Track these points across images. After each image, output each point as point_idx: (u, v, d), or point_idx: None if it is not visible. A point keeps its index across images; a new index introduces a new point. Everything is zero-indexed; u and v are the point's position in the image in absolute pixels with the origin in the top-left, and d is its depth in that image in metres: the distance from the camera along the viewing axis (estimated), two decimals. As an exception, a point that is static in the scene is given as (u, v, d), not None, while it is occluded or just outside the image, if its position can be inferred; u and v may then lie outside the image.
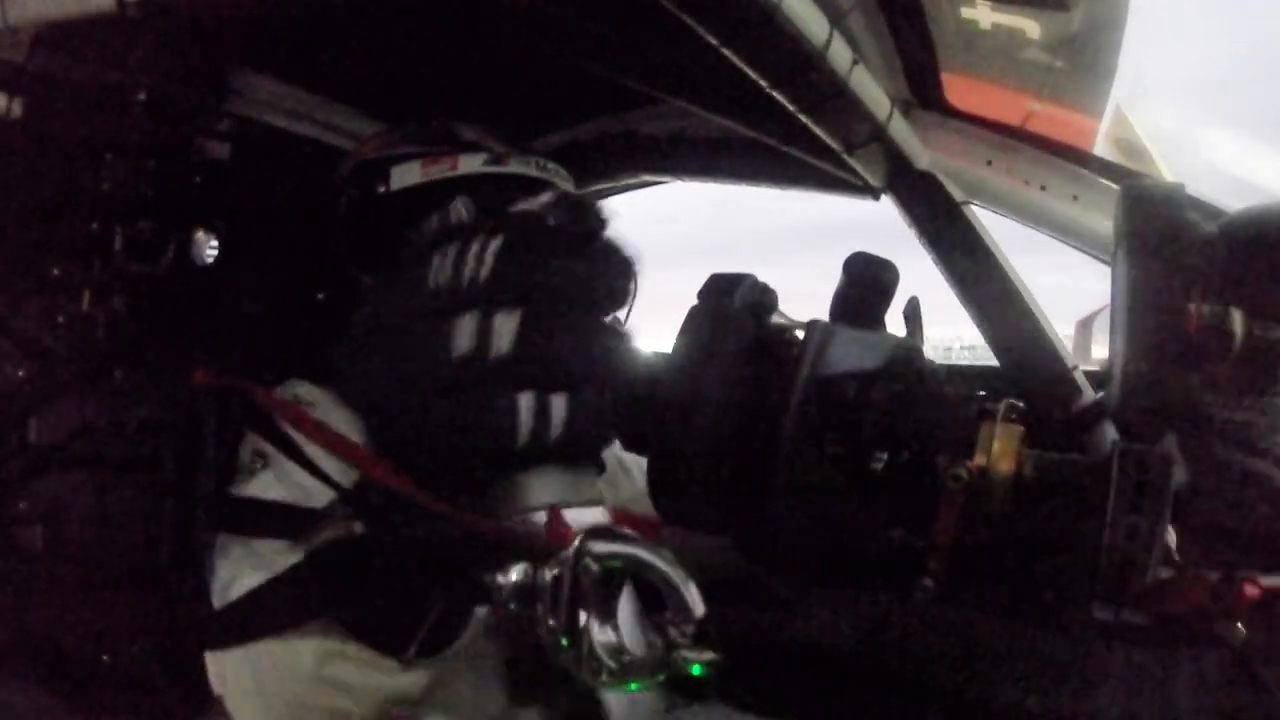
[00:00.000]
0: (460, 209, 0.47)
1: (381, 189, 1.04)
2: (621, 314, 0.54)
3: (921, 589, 0.88)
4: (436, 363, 0.44)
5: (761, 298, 1.02)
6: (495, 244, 0.44)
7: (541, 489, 0.47)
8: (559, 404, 0.43)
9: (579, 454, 0.47)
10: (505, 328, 0.43)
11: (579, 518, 0.46)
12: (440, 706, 0.92)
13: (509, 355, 0.43)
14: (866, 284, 1.40)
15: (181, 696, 1.08)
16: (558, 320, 0.44)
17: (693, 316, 0.96)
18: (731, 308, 0.97)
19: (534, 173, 1.07)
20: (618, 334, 0.47)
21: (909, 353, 1.11)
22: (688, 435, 0.86)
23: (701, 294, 0.98)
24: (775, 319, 1.01)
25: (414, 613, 0.64)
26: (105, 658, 1.02)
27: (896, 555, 0.94)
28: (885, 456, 0.99)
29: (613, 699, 0.46)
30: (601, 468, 0.54)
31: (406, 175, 1.04)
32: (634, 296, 0.49)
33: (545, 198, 0.47)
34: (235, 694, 0.74)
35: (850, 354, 1.05)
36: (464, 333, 0.43)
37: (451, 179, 1.04)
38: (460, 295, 0.44)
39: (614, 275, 0.47)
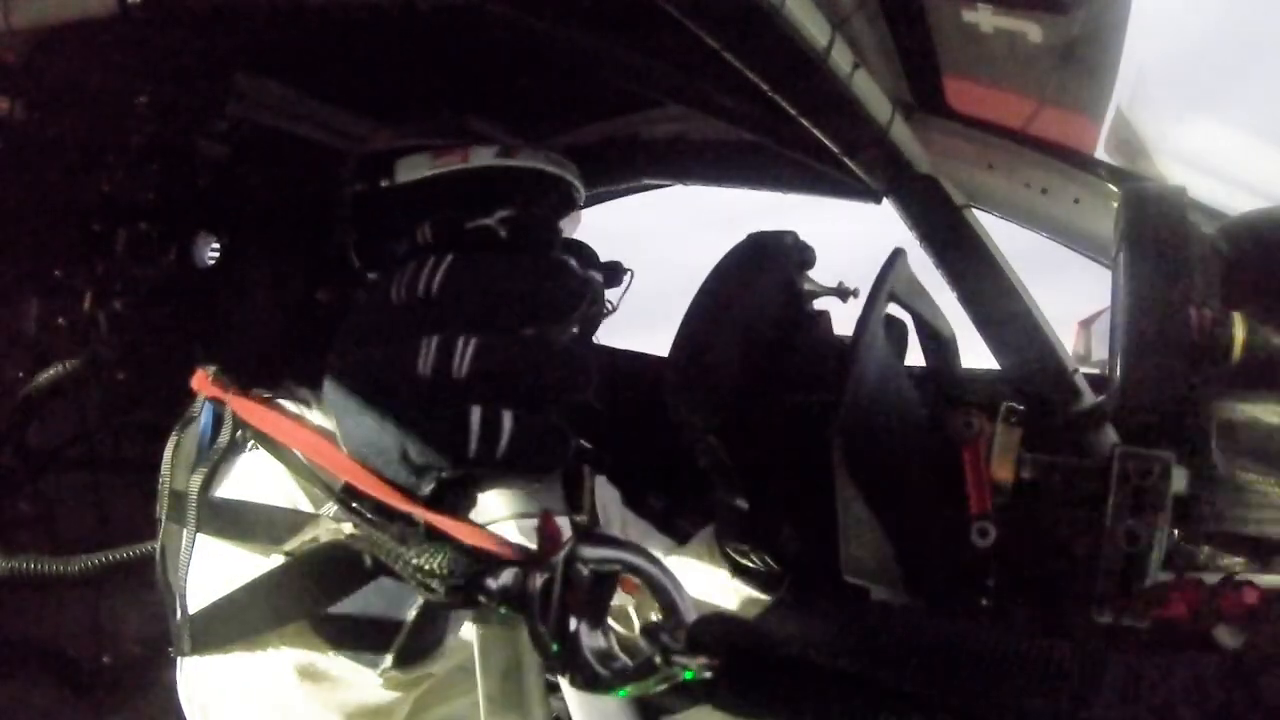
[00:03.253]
0: (426, 229, 0.50)
1: (386, 182, 1.02)
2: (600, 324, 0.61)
3: (981, 533, 0.87)
4: (400, 380, 0.47)
5: (801, 254, 1.02)
6: (447, 262, 0.47)
7: (495, 500, 0.50)
8: (508, 420, 0.46)
9: (528, 468, 0.49)
10: (464, 351, 0.46)
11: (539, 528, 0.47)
12: None
13: (466, 377, 0.46)
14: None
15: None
16: (513, 339, 0.47)
17: (735, 249, 0.97)
18: (772, 247, 0.98)
19: (545, 166, 1.04)
20: (576, 348, 0.49)
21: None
22: (712, 339, 0.88)
23: (745, 239, 0.99)
24: (807, 284, 1.01)
25: (389, 623, 0.64)
26: (105, 658, 1.03)
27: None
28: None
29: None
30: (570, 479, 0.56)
31: (416, 168, 1.01)
32: (589, 307, 0.54)
33: (501, 214, 0.52)
34: (212, 706, 0.73)
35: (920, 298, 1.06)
36: (425, 356, 0.46)
37: (462, 172, 1.01)
38: (416, 314, 0.47)
39: (565, 288, 0.49)
